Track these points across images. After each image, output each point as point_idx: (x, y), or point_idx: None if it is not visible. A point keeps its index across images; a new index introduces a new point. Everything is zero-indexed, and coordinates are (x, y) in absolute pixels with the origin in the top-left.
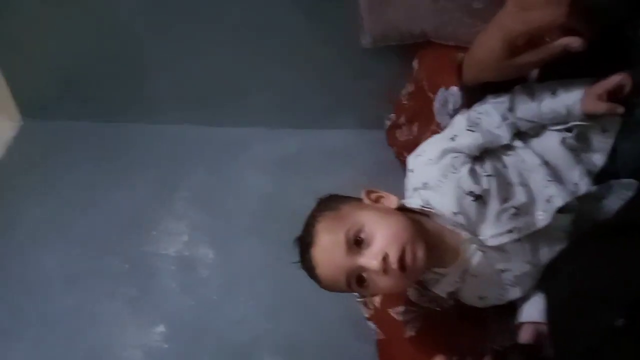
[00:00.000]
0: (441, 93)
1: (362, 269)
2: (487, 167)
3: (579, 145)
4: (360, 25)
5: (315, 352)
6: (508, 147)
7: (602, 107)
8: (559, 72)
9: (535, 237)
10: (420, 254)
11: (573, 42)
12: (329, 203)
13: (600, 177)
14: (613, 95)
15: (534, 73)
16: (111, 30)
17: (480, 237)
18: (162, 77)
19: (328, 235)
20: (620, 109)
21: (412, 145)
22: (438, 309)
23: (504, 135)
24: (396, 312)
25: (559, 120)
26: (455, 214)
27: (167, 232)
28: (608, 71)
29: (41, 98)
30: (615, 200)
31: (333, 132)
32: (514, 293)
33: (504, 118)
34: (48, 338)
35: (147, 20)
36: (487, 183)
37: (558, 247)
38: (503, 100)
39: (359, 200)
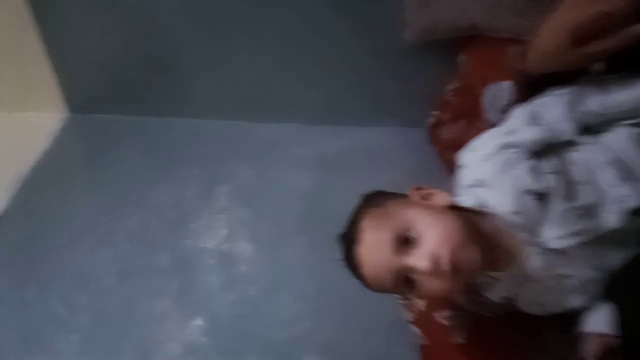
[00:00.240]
0: (491, 88)
1: (411, 269)
2: (550, 163)
3: None
4: (403, 20)
5: (357, 355)
6: (573, 143)
7: None
8: (630, 62)
9: (602, 241)
10: (475, 256)
11: None
12: (375, 199)
13: None
14: None
15: (600, 64)
16: (157, 28)
17: (541, 239)
18: (206, 74)
19: (374, 233)
20: None
21: (456, 143)
22: (489, 314)
23: (568, 129)
24: (442, 317)
25: (630, 114)
26: (513, 213)
27: (209, 227)
28: None
29: (88, 92)
30: None
31: (374, 130)
32: (576, 301)
33: (569, 111)
34: (99, 331)
35: (192, 19)
36: (551, 180)
37: (628, 253)
38: (568, 92)
39: (407, 197)
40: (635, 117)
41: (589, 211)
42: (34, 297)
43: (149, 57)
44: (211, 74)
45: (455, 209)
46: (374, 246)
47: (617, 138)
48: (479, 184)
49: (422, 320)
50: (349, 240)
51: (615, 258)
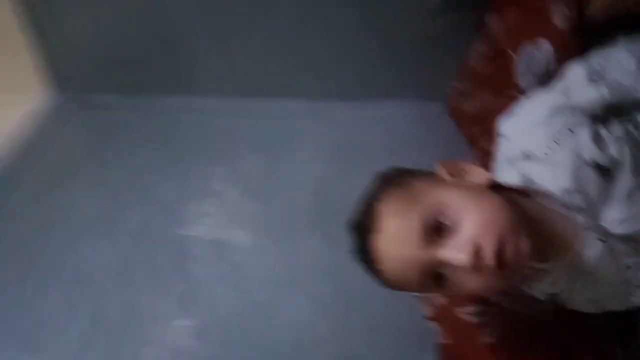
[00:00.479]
0: (527, 50)
1: (444, 264)
2: (617, 129)
3: None
4: None
5: None
6: None
7: None
8: None
9: None
10: (524, 246)
11: None
12: (396, 178)
13: None
14: None
15: None
16: (157, 1)
17: (603, 223)
18: (210, 50)
19: (397, 219)
20: None
21: (481, 116)
22: (527, 312)
23: (638, 86)
24: (468, 313)
25: None
26: (569, 192)
27: (204, 215)
28: None
29: (83, 72)
30: None
31: (391, 104)
32: None
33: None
34: (96, 335)
35: None
36: (618, 150)
37: None
38: None
39: (434, 175)
40: None
41: None
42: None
43: (148, 32)
44: (215, 50)
45: (495, 188)
46: (397, 236)
47: None
48: (524, 157)
49: (444, 316)
50: (363, 228)
51: None
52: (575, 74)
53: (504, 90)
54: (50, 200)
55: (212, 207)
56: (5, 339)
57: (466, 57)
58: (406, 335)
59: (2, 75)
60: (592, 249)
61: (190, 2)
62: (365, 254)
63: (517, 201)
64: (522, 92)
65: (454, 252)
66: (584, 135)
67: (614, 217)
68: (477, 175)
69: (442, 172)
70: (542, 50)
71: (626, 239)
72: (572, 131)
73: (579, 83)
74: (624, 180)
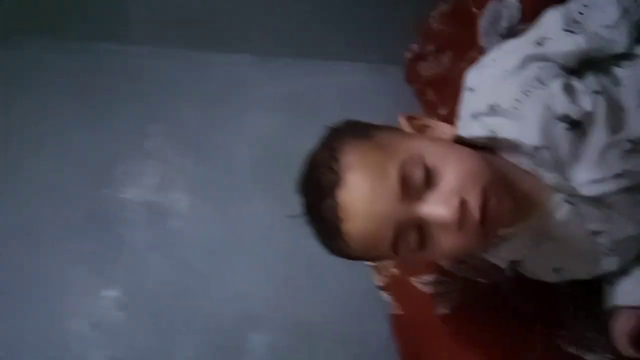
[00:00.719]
0: (492, 6)
1: (423, 220)
2: (591, 82)
3: None
4: None
5: (324, 333)
6: (624, 57)
7: None
8: None
9: None
10: (507, 202)
11: None
12: (358, 130)
13: None
14: None
15: None
16: None
17: (573, 183)
18: None
19: (367, 172)
20: None
21: (439, 80)
22: (485, 281)
23: (620, 38)
24: (422, 282)
25: None
26: (537, 148)
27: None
28: None
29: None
30: None
31: (346, 66)
32: (610, 264)
33: (625, 12)
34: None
35: None
36: (591, 104)
37: None
38: None
39: (398, 129)
40: None
41: (638, 147)
42: None
43: None
44: None
45: (461, 144)
46: (369, 191)
47: None
48: (491, 111)
49: (396, 286)
50: (321, 184)
51: None
52: (551, 21)
53: (466, 52)
54: None
55: (146, 167)
56: None
57: (426, 17)
58: (359, 305)
59: None
60: (559, 212)
61: None
62: (322, 214)
63: (485, 158)
64: (485, 53)
65: (437, 206)
66: (556, 87)
67: (584, 178)
68: (442, 130)
69: (405, 126)
70: (508, 5)
71: (596, 202)
72: (542, 82)
73: (554, 32)
74: (596, 137)
